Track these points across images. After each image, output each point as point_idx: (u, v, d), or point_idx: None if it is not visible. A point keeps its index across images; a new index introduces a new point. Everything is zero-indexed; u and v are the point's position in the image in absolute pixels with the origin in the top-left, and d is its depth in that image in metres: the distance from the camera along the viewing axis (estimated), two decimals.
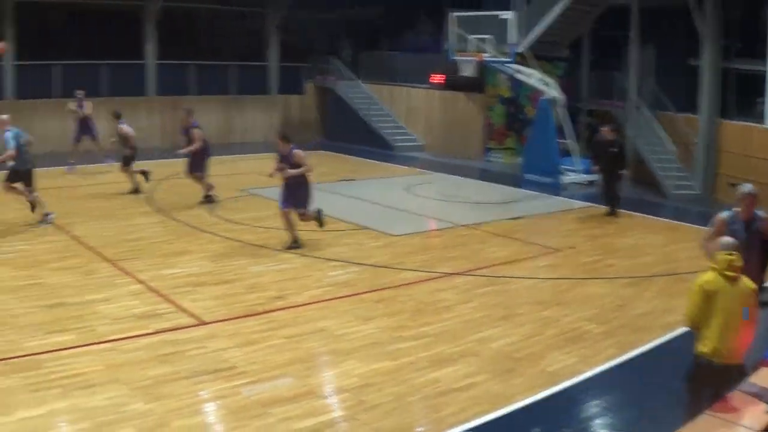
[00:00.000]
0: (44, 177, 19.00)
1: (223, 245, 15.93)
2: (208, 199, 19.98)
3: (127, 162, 21.04)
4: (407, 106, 34.36)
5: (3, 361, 9.67)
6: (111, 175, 22.83)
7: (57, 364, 9.52)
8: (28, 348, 10.12)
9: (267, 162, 23.58)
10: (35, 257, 14.69)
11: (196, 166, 19.88)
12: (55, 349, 10.09)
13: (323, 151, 31.34)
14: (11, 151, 16.41)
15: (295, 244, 15.38)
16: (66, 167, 24.25)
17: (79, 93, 25.27)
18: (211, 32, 38.23)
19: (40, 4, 30.86)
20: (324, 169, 24.57)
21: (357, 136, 32.91)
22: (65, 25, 33.16)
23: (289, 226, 15.49)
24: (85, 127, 25.16)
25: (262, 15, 36.12)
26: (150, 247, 15.48)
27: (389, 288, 13.24)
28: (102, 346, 10.28)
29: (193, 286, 13.05)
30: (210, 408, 8.85)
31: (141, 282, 13.13)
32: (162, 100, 32.41)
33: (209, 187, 20.28)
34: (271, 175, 15.50)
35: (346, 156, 30.10)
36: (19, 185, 17.01)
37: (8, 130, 16.70)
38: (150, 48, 32.60)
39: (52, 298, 12.29)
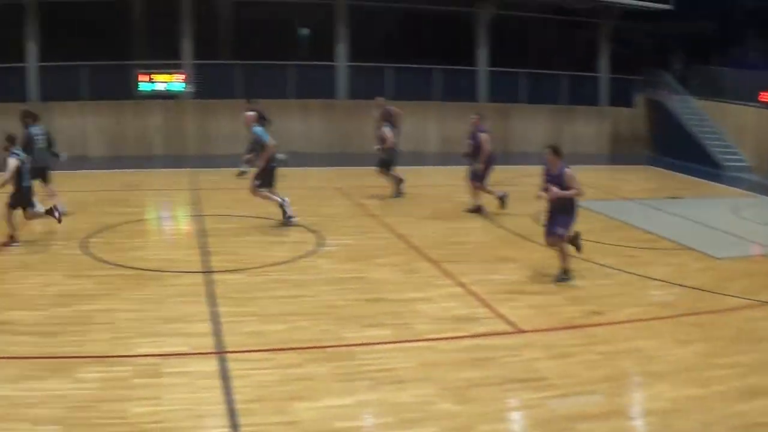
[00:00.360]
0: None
1: (547, 255, 15.81)
2: (478, 210, 19.62)
3: (386, 165, 21.06)
4: (736, 125, 32.78)
5: (319, 349, 10.09)
6: (439, 177, 23.29)
7: (370, 357, 9.78)
8: (345, 339, 10.50)
9: (598, 174, 23.48)
10: (359, 252, 15.26)
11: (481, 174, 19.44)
12: (370, 342, 10.39)
13: (651, 167, 30.61)
14: (271, 144, 16.87)
15: (564, 276, 13.86)
16: None
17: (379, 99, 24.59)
18: (542, 41, 38.36)
19: (372, 8, 31.99)
20: (650, 185, 24.07)
21: (685, 153, 31.62)
22: (399, 29, 34.29)
23: (561, 254, 13.97)
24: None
25: (594, 25, 35.78)
26: (473, 252, 15.62)
27: (709, 312, 12.55)
28: (417, 344, 10.45)
29: (512, 294, 13.00)
30: (515, 417, 8.76)
31: (461, 285, 13.24)
32: (492, 107, 32.77)
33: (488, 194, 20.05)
34: (538, 197, 14.36)
35: (674, 173, 29.19)
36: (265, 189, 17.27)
37: (256, 126, 17.20)
38: (482, 54, 33.02)
39: (372, 292, 12.70)
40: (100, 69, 28.78)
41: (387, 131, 20.82)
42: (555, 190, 13.36)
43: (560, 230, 13.59)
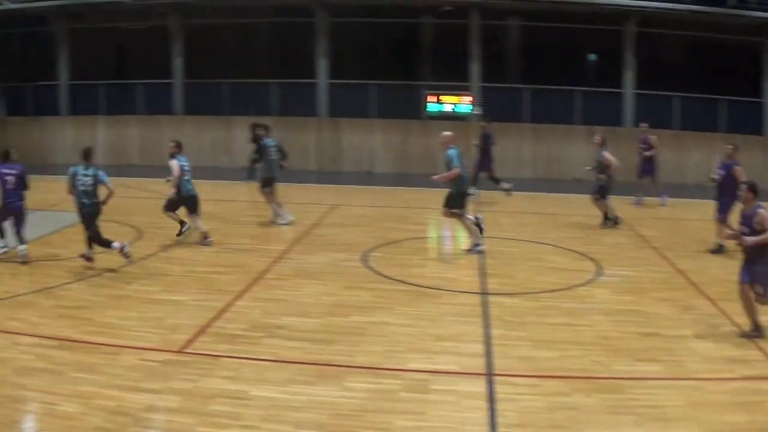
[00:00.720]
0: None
1: None
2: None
3: (602, 192, 20.03)
4: None
5: (588, 379, 9.95)
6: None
7: (639, 392, 9.55)
8: (615, 371, 10.31)
9: None
10: (638, 284, 14.90)
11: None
12: (640, 377, 10.14)
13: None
14: (456, 170, 16.42)
15: (755, 333, 12.09)
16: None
17: (643, 125, 25.13)
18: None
19: (660, 35, 31.24)
20: None
21: None
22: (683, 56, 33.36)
23: (747, 306, 12.20)
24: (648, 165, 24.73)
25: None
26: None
27: None
28: (687, 382, 10.10)
29: None
30: None
31: (737, 325, 12.67)
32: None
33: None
34: (727, 238, 12.96)
35: None
36: (457, 210, 16.88)
37: (451, 148, 16.75)
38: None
39: (647, 326, 12.37)
40: (389, 88, 29.57)
41: (608, 156, 19.89)
42: (749, 238, 11.91)
43: (759, 289, 12.01)
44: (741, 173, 17.34)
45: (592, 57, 34.78)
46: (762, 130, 31.65)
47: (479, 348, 10.83)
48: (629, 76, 30.86)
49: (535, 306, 13.13)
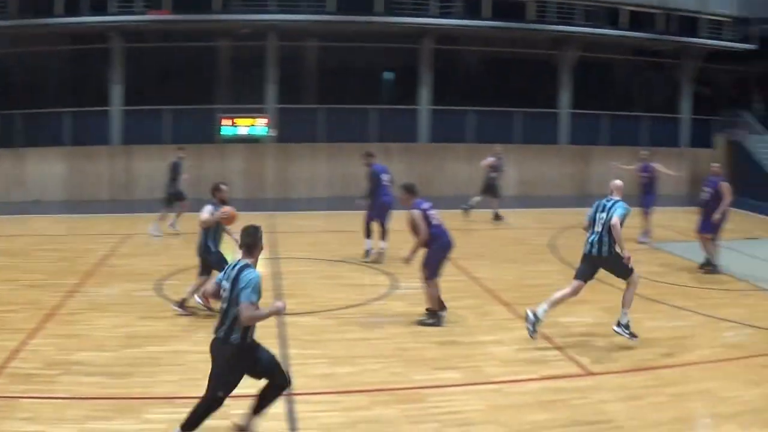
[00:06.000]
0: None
1: (620, 297, 15.66)
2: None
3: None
4: None
5: (388, 391, 10.13)
6: (518, 219, 23.28)
7: (440, 400, 9.81)
8: (415, 381, 10.54)
9: (675, 216, 23.22)
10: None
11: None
12: (440, 385, 10.40)
13: (729, 208, 30.09)
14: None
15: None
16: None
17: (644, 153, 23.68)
18: (624, 82, 38.22)
19: (456, 52, 32.20)
20: (728, 225, 23.63)
21: (764, 193, 31.00)
22: (481, 72, 34.48)
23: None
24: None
25: (677, 66, 35.49)
26: (547, 295, 15.49)
27: None
28: (487, 386, 10.45)
29: (584, 336, 12.95)
30: None
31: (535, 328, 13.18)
32: (572, 150, 32.67)
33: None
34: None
35: (752, 213, 28.64)
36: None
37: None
38: (564, 97, 32.96)
39: (444, 335, 12.71)
40: (184, 113, 29.31)
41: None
42: None
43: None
44: (728, 190, 18.39)
45: (389, 75, 35.41)
46: (557, 139, 32.96)
47: None
48: (425, 93, 31.52)
49: (333, 323, 13.26)
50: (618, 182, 13.23)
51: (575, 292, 12.75)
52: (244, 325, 8.09)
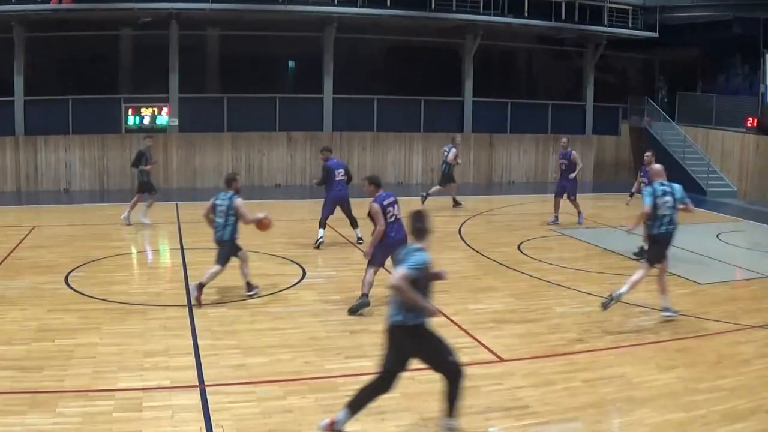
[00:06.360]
0: None
1: (531, 284, 15.90)
2: None
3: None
4: (721, 150, 32.99)
5: (301, 381, 10.11)
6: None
7: (353, 389, 9.71)
8: (327, 370, 10.54)
9: (582, 202, 23.59)
10: (343, 284, 15.30)
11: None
12: (353, 373, 10.36)
13: (637, 194, 30.64)
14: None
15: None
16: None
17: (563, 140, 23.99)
18: (528, 70, 38.72)
19: (359, 40, 32.22)
20: (634, 212, 23.97)
21: (671, 179, 31.58)
22: (385, 60, 34.57)
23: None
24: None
25: (581, 54, 36.05)
26: (457, 282, 15.62)
27: (691, 337, 12.64)
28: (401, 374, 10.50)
29: (495, 323, 13.08)
30: None
31: (444, 315, 13.22)
32: (477, 137, 32.97)
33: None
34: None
35: None
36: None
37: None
38: (468, 85, 33.22)
39: (355, 324, 12.75)
40: (87, 102, 28.83)
41: None
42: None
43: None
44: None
45: (292, 64, 35.28)
46: (463, 127, 33.23)
47: (190, 360, 10.70)
48: (329, 82, 31.46)
49: (243, 313, 13.15)
50: (659, 166, 14.51)
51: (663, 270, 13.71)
52: (406, 301, 8.21)
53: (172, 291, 14.54)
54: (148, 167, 21.48)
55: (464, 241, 19.97)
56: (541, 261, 17.95)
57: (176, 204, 24.44)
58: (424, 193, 24.94)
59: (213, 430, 8.55)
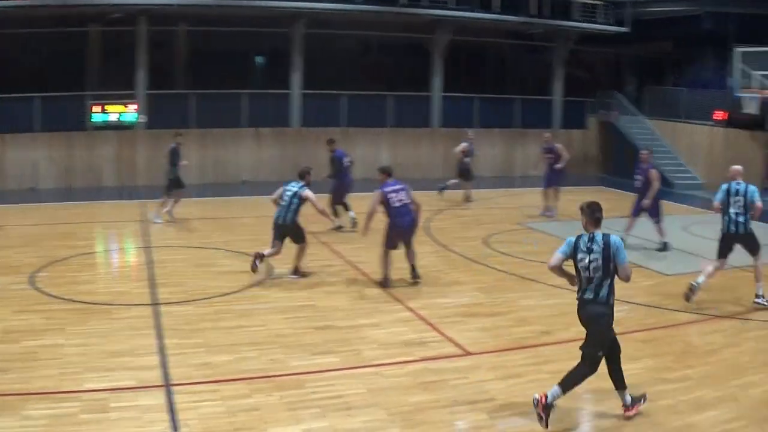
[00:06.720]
0: None
1: (496, 277, 15.99)
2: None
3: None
4: (689, 143, 33.31)
5: (267, 379, 10.08)
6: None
7: (319, 385, 9.80)
8: (293, 367, 10.50)
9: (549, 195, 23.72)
10: (310, 280, 15.33)
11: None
12: (319, 370, 10.40)
13: (603, 187, 30.95)
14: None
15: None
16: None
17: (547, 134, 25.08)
18: (497, 65, 38.83)
19: (327, 36, 32.19)
20: (603, 205, 24.19)
21: (636, 172, 31.77)
22: (354, 55, 34.58)
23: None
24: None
25: (550, 49, 36.20)
26: (424, 276, 15.65)
27: (658, 328, 12.82)
28: (366, 370, 10.52)
29: (462, 317, 13.12)
30: None
31: (411, 310, 13.35)
32: (445, 132, 33.03)
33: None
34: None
35: (625, 192, 29.31)
36: None
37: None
38: (436, 80, 33.27)
39: (322, 320, 12.74)
40: (53, 100, 28.62)
41: None
42: None
43: None
44: (656, 177, 19.00)
45: (260, 60, 35.19)
46: (430, 122, 33.28)
47: (155, 360, 10.64)
48: (297, 77, 31.37)
49: (209, 312, 13.07)
50: (738, 167, 14.97)
51: (721, 267, 14.34)
52: (624, 281, 9.19)
53: (138, 290, 14.43)
54: (183, 163, 21.65)
55: (432, 235, 19.99)
56: (507, 255, 18.03)
57: (143, 202, 24.22)
58: (441, 185, 26.43)
59: (179, 429, 8.52)
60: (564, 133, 35.02)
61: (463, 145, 26.25)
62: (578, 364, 8.97)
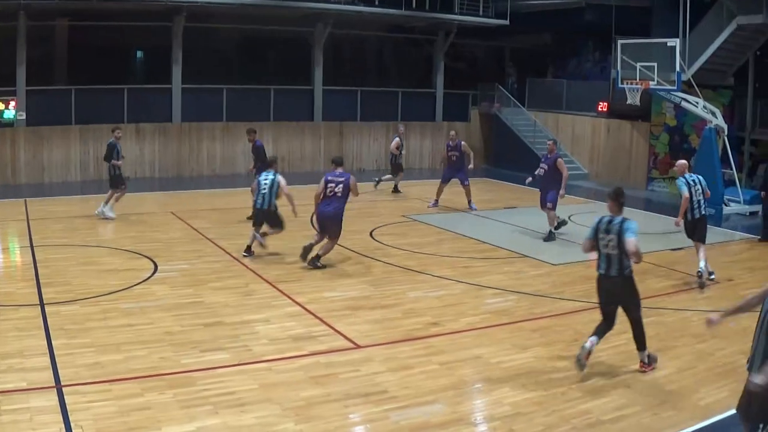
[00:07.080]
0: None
1: (384, 270, 16.18)
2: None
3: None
4: (572, 134, 34.12)
5: (158, 377, 10.05)
6: None
7: (210, 382, 9.83)
8: (184, 365, 10.50)
9: (429, 188, 24.04)
10: (196, 276, 15.28)
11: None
12: (209, 367, 10.43)
13: (487, 178, 31.45)
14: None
15: None
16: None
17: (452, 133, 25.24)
18: (379, 58, 39.03)
19: (209, 30, 31.95)
20: (486, 196, 24.60)
21: (521, 164, 32.16)
22: (235, 49, 34.39)
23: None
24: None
25: (430, 42, 36.52)
26: (311, 270, 15.80)
27: (547, 317, 13.18)
28: (257, 365, 10.57)
29: (350, 310, 13.28)
30: (358, 431, 9.00)
31: (299, 304, 13.44)
32: (326, 126, 33.13)
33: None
34: None
35: (510, 183, 29.91)
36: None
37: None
38: (318, 73, 33.31)
39: (210, 316, 12.72)
40: None
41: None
42: None
43: None
44: (562, 166, 19.69)
45: (141, 54, 34.73)
46: (313, 116, 33.31)
47: (45, 361, 10.49)
48: (178, 72, 31.03)
49: (95, 311, 12.89)
50: (684, 161, 16.50)
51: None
52: (632, 257, 10.34)
53: (24, 290, 14.19)
54: (119, 162, 21.15)
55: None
56: (393, 247, 18.26)
57: (25, 200, 23.75)
58: (377, 179, 27.17)
59: (72, 431, 8.46)
60: (446, 125, 35.41)
61: (396, 141, 26.97)
62: (634, 329, 10.66)
